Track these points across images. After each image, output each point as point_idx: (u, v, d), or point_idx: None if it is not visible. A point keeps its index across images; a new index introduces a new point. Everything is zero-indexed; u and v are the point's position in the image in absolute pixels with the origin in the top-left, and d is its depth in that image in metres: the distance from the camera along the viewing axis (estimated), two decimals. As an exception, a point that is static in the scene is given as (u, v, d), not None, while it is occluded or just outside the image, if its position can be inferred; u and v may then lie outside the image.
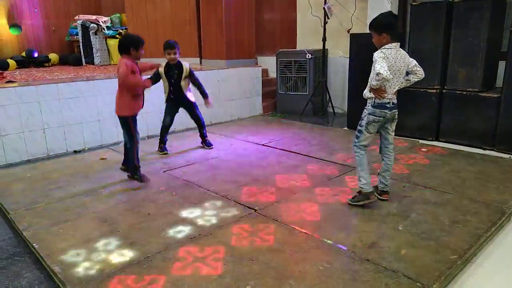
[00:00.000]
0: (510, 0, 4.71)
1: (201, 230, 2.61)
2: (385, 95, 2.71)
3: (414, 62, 2.78)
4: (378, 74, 2.54)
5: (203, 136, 4.63)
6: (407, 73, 2.80)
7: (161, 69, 4.24)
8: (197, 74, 4.52)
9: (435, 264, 2.17)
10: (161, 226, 2.68)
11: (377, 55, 2.67)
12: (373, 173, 3.08)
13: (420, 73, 2.78)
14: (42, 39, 9.42)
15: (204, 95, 4.43)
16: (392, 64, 2.67)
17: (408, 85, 2.85)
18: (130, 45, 3.37)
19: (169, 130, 4.53)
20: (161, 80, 4.26)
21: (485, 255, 2.37)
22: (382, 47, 2.72)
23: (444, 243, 2.38)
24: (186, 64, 4.33)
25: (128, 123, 3.49)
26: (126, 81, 3.33)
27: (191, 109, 4.49)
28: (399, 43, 2.73)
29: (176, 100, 4.37)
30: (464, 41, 4.37)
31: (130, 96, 3.43)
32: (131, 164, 3.58)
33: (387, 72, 2.55)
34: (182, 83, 4.29)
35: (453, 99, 4.53)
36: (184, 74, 4.27)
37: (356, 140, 2.86)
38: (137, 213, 2.90)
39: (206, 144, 4.61)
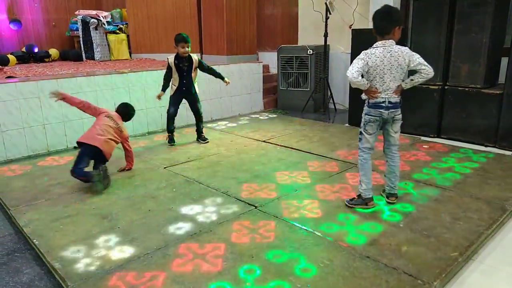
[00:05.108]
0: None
1: (201, 227, 2.61)
2: (377, 94, 2.63)
3: (418, 60, 2.58)
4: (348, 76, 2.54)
5: (199, 130, 4.69)
6: (413, 72, 2.66)
7: (171, 60, 4.34)
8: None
9: (436, 261, 2.16)
10: (161, 223, 2.68)
11: (359, 56, 2.61)
12: (373, 170, 3.06)
13: (425, 72, 2.57)
14: (42, 34, 9.39)
15: (220, 77, 4.63)
16: (376, 64, 2.58)
17: (414, 85, 2.67)
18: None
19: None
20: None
21: (486, 252, 2.36)
22: (374, 45, 2.65)
23: (445, 240, 2.37)
24: (195, 56, 4.46)
25: None
26: None
27: (194, 101, 4.57)
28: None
29: (184, 92, 4.47)
30: (467, 37, 4.34)
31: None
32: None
33: (352, 75, 2.54)
34: (193, 74, 4.44)
35: (455, 96, 4.50)
36: (194, 65, 4.41)
37: (359, 143, 2.83)
38: (138, 209, 2.90)
39: (201, 139, 4.66)
